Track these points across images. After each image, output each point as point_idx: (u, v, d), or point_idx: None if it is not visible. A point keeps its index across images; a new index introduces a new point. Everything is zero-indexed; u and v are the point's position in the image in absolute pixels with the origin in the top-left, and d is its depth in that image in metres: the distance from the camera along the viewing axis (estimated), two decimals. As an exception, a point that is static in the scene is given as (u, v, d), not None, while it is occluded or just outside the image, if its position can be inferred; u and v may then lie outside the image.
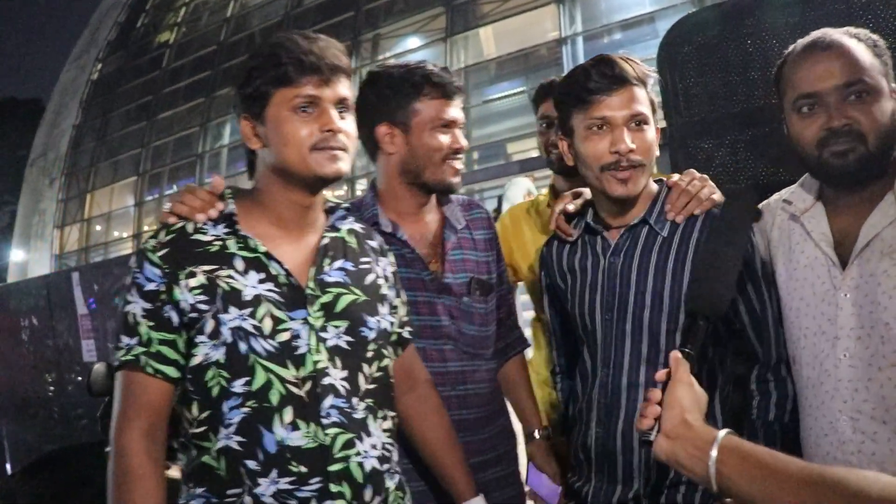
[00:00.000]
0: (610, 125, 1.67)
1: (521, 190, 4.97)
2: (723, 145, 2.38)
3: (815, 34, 1.55)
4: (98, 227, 26.74)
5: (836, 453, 1.49)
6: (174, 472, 1.53)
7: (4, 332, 5.44)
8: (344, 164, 1.52)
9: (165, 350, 1.45)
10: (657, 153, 1.74)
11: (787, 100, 1.56)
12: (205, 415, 1.46)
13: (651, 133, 1.69)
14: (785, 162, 2.23)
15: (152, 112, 24.33)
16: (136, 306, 1.46)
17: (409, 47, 19.04)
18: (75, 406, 4.99)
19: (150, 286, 1.46)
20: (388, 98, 1.91)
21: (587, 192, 1.89)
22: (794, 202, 1.65)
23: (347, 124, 1.53)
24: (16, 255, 28.69)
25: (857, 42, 1.51)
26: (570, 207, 1.91)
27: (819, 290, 1.56)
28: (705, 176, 1.78)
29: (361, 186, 17.11)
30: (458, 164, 1.95)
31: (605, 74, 1.68)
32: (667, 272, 1.69)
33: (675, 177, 1.80)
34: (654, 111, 1.72)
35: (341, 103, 1.52)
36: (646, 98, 1.70)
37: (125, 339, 1.46)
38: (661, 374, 1.30)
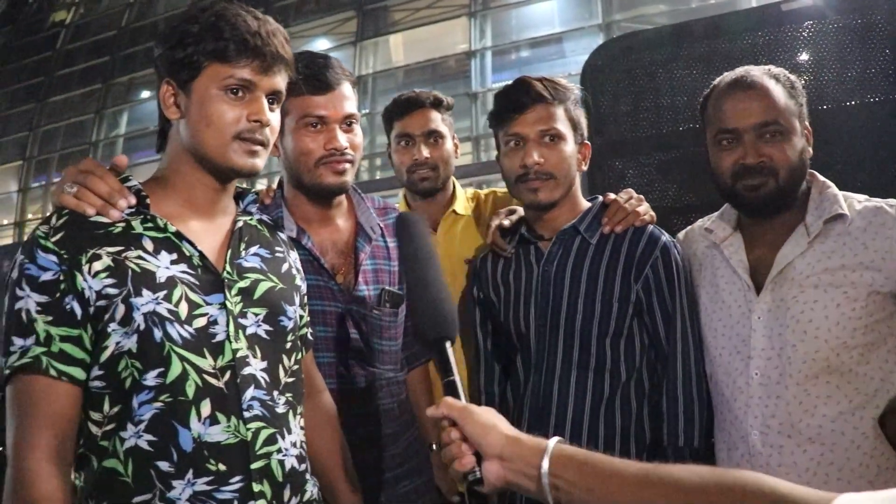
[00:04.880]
0: (523, 140, 1.78)
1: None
2: (634, 166, 2.53)
3: (739, 71, 1.70)
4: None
5: (746, 465, 1.62)
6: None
7: None
8: (260, 161, 1.42)
9: (69, 348, 1.27)
10: (580, 167, 1.86)
11: (710, 131, 1.70)
12: (115, 410, 1.31)
13: (566, 147, 1.80)
14: (690, 185, 2.40)
15: (43, 94, 23.14)
16: (29, 301, 1.27)
17: (318, 49, 18.86)
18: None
19: (46, 276, 1.27)
20: None
21: (521, 210, 1.99)
22: (714, 231, 1.79)
23: (276, 118, 1.44)
24: None
25: (775, 83, 1.65)
26: (506, 223, 1.99)
27: (735, 313, 1.70)
28: (641, 196, 1.90)
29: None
30: (341, 164, 1.78)
31: (520, 94, 1.80)
32: (599, 278, 1.79)
33: (613, 195, 1.91)
34: (575, 128, 1.83)
35: (274, 95, 1.42)
36: (562, 115, 1.80)
37: (18, 341, 1.26)
38: (435, 411, 1.17)
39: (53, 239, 1.29)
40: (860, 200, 1.66)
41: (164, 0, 22.24)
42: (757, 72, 1.68)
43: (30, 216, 22.32)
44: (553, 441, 1.06)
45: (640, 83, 2.50)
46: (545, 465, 1.02)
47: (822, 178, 1.72)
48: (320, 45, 19.16)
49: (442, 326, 1.29)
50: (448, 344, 1.26)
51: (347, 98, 1.80)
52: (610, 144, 2.53)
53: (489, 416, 1.13)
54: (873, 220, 1.60)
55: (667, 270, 1.78)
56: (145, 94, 20.58)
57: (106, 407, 1.31)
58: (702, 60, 2.40)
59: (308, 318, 1.65)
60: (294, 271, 1.58)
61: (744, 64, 1.77)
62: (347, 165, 1.80)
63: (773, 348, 1.63)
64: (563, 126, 1.80)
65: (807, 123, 1.68)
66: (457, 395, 1.19)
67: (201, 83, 1.37)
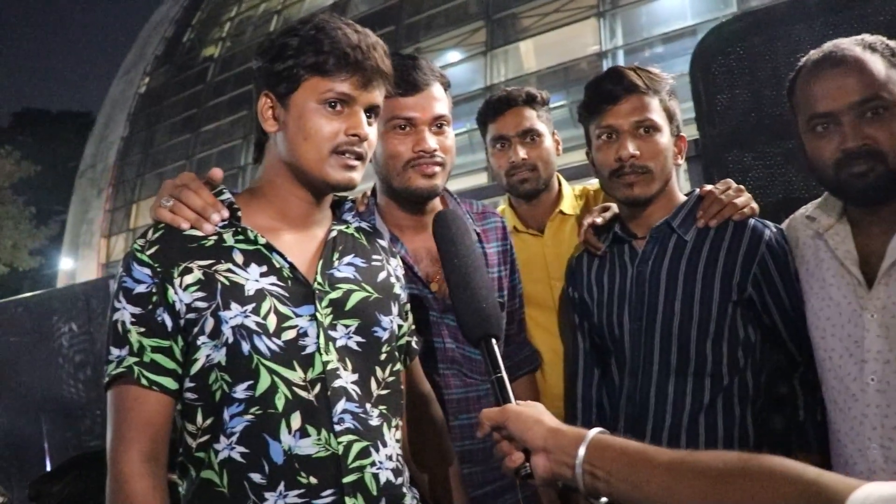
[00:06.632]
0: (616, 133, 1.68)
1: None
2: (757, 157, 2.33)
3: (826, 47, 1.51)
4: (143, 238, 27.16)
5: None
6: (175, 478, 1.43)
7: (45, 335, 5.52)
8: (357, 175, 1.40)
9: (160, 358, 1.32)
10: (676, 160, 1.74)
11: (801, 118, 1.52)
12: (208, 422, 1.34)
13: (662, 139, 1.69)
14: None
15: (197, 125, 24.72)
16: (125, 313, 1.32)
17: (450, 61, 19.04)
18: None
19: (140, 288, 1.32)
20: None
21: (615, 207, 1.89)
22: (817, 219, 1.60)
23: (373, 132, 1.42)
24: (65, 263, 29.25)
25: (871, 53, 1.44)
26: (599, 221, 1.89)
27: (845, 311, 1.50)
28: (741, 187, 1.76)
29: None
30: (431, 167, 1.73)
31: (612, 84, 1.70)
32: (697, 279, 1.67)
33: (709, 186, 1.77)
34: (670, 119, 1.72)
35: (372, 110, 1.42)
36: (657, 106, 1.69)
37: (115, 351, 1.32)
38: (483, 431, 1.19)
39: (148, 252, 1.33)
40: None
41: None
42: (847, 43, 1.48)
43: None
44: (594, 431, 1.06)
45: (758, 66, 2.30)
46: (581, 453, 1.03)
47: None
48: (451, 56, 19.39)
49: (486, 325, 1.31)
50: (494, 341, 1.28)
51: (437, 99, 1.75)
52: (726, 135, 2.35)
53: (532, 412, 1.14)
54: None
55: (777, 266, 1.64)
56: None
57: (199, 419, 1.34)
58: (827, 37, 2.18)
59: (412, 327, 1.61)
60: (393, 280, 1.54)
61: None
62: (437, 169, 1.75)
63: (890, 350, 1.43)
64: (658, 117, 1.70)
65: None
66: (504, 391, 1.22)
67: (300, 96, 1.37)
